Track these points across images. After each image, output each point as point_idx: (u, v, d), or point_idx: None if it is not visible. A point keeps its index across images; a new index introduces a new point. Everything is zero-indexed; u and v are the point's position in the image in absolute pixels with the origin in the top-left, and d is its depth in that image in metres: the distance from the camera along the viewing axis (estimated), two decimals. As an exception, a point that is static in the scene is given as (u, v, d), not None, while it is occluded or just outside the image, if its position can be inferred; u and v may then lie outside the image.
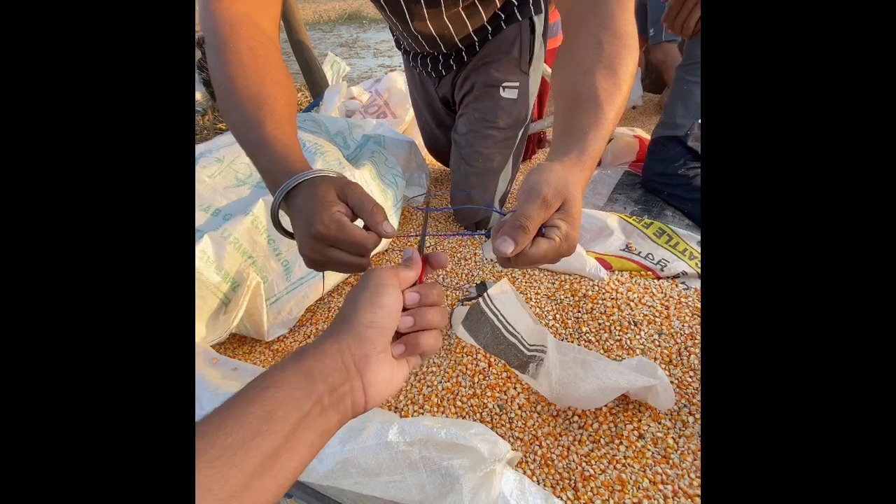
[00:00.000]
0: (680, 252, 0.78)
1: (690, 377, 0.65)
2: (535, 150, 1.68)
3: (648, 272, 0.78)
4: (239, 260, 0.76)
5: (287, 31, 2.19)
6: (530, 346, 0.68)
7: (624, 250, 0.80)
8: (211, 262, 0.72)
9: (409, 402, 0.67)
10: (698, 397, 0.63)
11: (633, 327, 0.71)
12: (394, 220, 0.98)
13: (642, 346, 0.69)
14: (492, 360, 0.70)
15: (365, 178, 0.93)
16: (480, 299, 0.74)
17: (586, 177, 0.39)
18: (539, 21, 0.86)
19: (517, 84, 0.88)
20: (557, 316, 0.76)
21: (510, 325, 0.71)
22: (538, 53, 0.89)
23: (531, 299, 0.80)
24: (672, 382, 0.65)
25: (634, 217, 0.84)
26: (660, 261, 0.77)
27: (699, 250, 0.79)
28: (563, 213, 0.36)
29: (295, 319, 0.85)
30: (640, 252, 0.79)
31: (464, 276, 0.93)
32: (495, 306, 0.73)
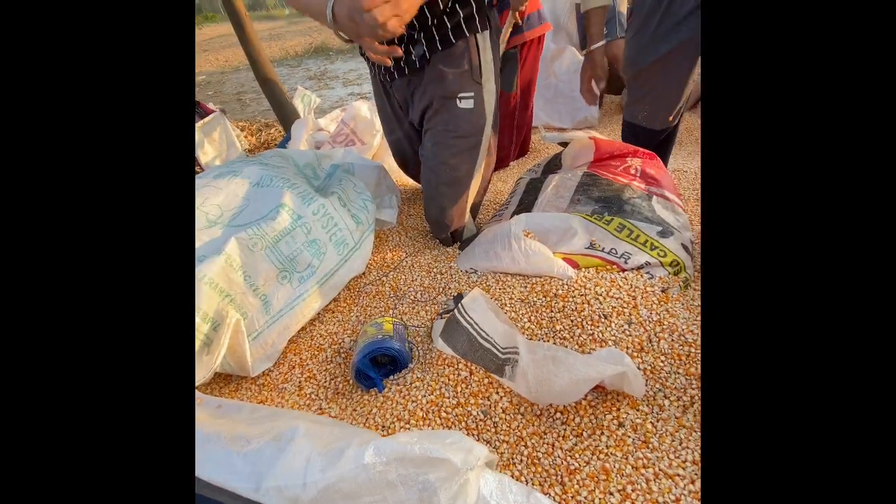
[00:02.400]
0: (641, 244, 0.81)
1: (662, 362, 0.68)
2: (516, 156, 1.74)
3: (613, 266, 0.81)
4: (216, 299, 0.77)
5: (254, 71, 2.23)
6: (503, 349, 0.70)
7: (588, 248, 0.83)
8: (188, 305, 0.73)
9: (395, 419, 0.68)
10: (672, 380, 0.65)
11: (603, 320, 0.73)
12: (367, 243, 1.01)
13: (614, 338, 0.71)
14: (473, 367, 0.72)
15: (333, 206, 0.95)
16: (455, 310, 0.76)
17: None
18: (483, 38, 0.92)
19: (472, 94, 0.94)
20: (532, 318, 0.79)
21: (483, 331, 0.73)
22: (488, 67, 0.94)
23: (505, 305, 0.82)
24: (645, 369, 0.67)
25: (595, 215, 0.87)
26: (623, 254, 0.81)
27: (659, 240, 0.82)
28: None
29: (278, 352, 0.86)
30: (603, 248, 0.82)
31: (440, 289, 0.96)
32: (469, 315, 0.75)
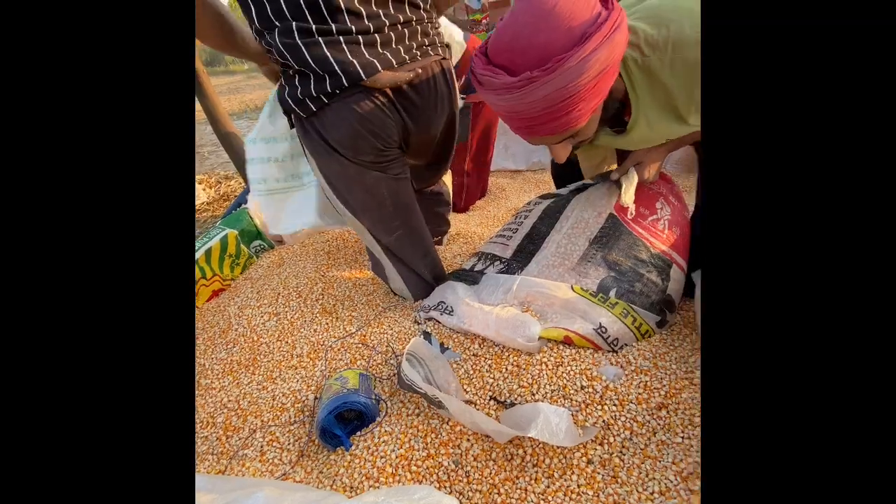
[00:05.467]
0: (636, 328, 0.82)
1: (623, 393, 0.70)
2: (477, 197, 1.81)
3: (599, 349, 0.80)
4: None
5: (213, 125, 2.23)
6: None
7: (598, 329, 0.79)
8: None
9: (364, 477, 0.65)
10: (633, 411, 0.67)
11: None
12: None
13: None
14: (443, 416, 0.71)
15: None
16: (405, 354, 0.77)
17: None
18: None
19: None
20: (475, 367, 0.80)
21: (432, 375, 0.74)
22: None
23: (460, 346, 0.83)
24: (607, 400, 0.69)
25: (601, 295, 0.83)
26: (615, 339, 0.80)
27: (654, 329, 0.84)
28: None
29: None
30: (609, 335, 0.80)
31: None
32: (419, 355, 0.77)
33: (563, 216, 0.96)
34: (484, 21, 2.29)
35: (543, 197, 1.06)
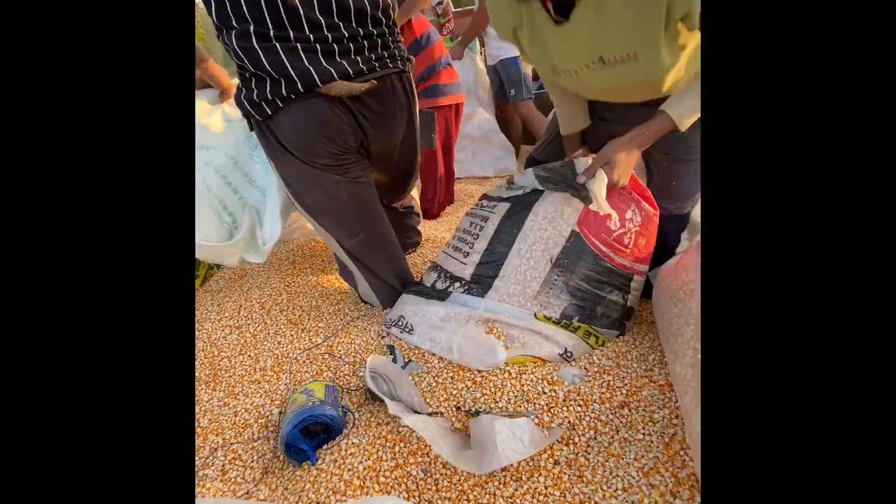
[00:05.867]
0: (599, 345, 0.85)
1: (588, 393, 0.71)
2: (445, 205, 1.83)
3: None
4: None
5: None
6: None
7: (563, 354, 0.81)
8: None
9: (331, 492, 0.64)
10: (598, 410, 0.69)
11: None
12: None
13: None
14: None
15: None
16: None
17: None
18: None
19: None
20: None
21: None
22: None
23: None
24: (573, 399, 0.70)
25: (564, 321, 0.83)
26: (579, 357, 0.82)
27: (611, 340, 0.86)
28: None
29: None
30: (572, 355, 0.82)
31: (380, 352, 0.94)
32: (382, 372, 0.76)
33: (522, 232, 0.87)
34: (447, 25, 2.33)
35: (506, 189, 0.97)
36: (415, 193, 1.36)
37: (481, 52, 2.37)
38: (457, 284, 0.92)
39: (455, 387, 0.78)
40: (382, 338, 0.96)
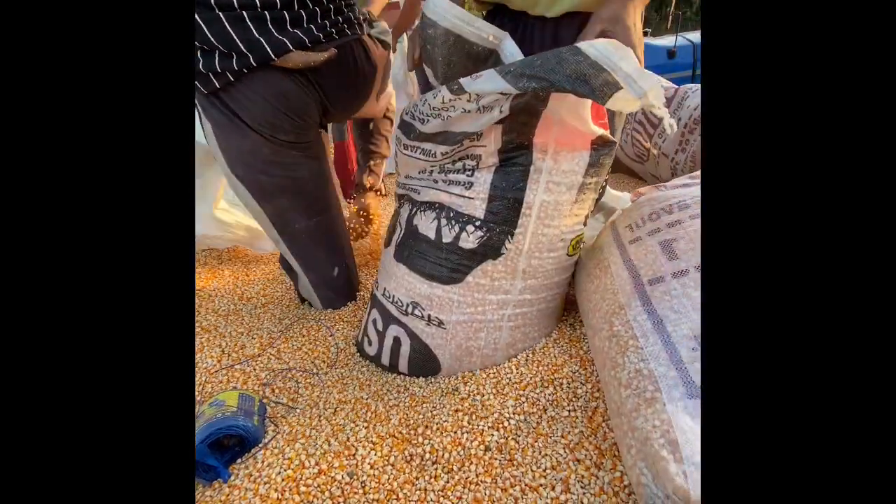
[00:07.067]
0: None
1: (523, 374, 0.72)
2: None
3: None
4: None
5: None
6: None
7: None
8: None
9: (244, 510, 0.58)
10: (531, 391, 0.69)
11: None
12: None
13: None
14: (336, 422, 0.67)
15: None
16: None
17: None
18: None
19: None
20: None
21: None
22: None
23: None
24: (507, 381, 0.70)
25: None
26: None
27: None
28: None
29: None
30: None
31: (331, 362, 0.88)
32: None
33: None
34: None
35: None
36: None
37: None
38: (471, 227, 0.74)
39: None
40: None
